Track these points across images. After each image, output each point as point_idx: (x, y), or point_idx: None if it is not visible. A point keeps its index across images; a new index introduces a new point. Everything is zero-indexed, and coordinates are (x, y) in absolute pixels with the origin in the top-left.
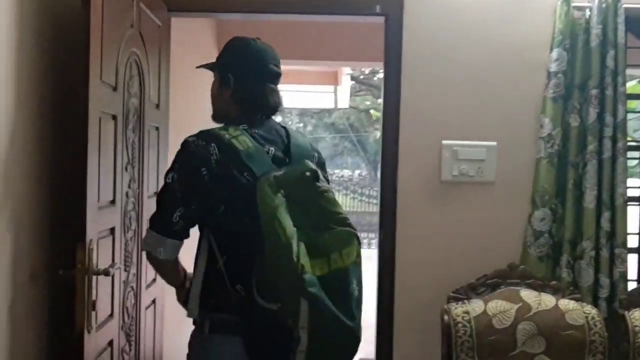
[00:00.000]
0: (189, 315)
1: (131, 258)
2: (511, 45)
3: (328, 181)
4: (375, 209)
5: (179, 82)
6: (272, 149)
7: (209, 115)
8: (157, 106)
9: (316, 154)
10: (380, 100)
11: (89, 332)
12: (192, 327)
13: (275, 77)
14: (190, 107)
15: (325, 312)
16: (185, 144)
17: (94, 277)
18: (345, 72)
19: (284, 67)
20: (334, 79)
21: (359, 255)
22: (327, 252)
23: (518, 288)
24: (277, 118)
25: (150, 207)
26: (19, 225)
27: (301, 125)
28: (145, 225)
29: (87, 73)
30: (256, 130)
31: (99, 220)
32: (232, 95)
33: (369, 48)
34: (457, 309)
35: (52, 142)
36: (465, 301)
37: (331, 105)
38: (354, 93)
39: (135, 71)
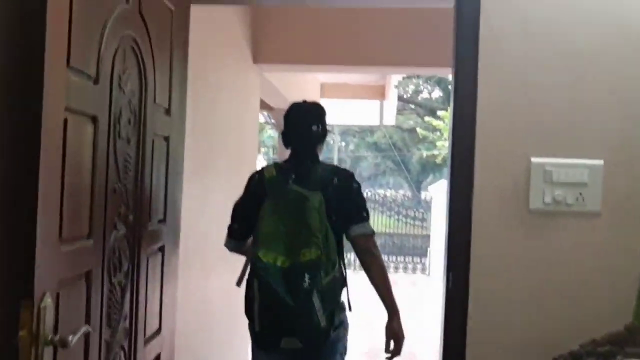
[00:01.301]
0: None
1: (121, 309)
2: (632, 26)
3: (348, 196)
4: (420, 231)
5: (199, 84)
6: (294, 176)
7: (238, 125)
8: (167, 111)
9: (335, 180)
10: (428, 119)
11: None
12: None
13: (302, 131)
14: (214, 114)
15: (270, 290)
16: None
17: (48, 348)
18: (393, 85)
19: (327, 78)
20: (380, 93)
21: (318, 258)
22: (292, 251)
23: None
24: None
25: (155, 238)
26: None
27: (343, 144)
28: (144, 262)
29: (42, 50)
30: (280, 165)
31: (62, 263)
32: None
33: (424, 51)
34: None
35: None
36: None
37: (376, 122)
38: (397, 112)
39: (132, 63)
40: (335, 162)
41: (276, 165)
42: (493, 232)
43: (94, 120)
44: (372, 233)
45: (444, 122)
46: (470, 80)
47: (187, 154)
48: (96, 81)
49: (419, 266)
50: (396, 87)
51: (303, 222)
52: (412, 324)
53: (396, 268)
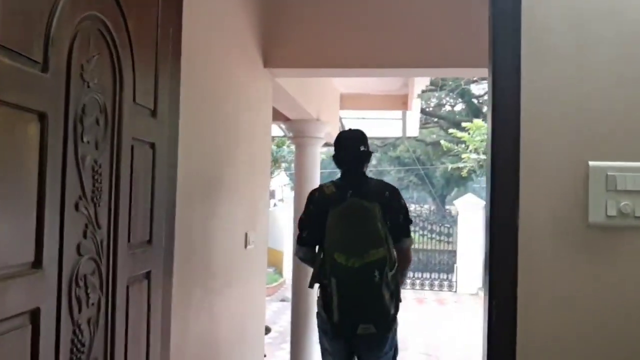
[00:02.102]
0: None
1: (88, 353)
2: None
3: (398, 211)
4: (445, 246)
5: (199, 85)
6: (350, 191)
7: (248, 136)
8: (153, 113)
9: (386, 193)
10: (452, 130)
11: None
12: None
13: (351, 152)
14: (219, 122)
15: (346, 286)
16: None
17: None
18: (416, 94)
19: (347, 88)
20: (403, 103)
21: (384, 257)
22: (361, 252)
23: None
24: None
25: (138, 262)
26: None
27: None
28: (122, 292)
29: None
30: (336, 182)
31: None
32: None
33: (452, 50)
34: None
35: None
36: None
37: (399, 134)
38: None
39: (101, 51)
40: None
41: (333, 182)
42: (544, 254)
43: (42, 117)
44: (412, 243)
45: (468, 133)
46: (512, 76)
47: (187, 166)
48: (44, 69)
49: (445, 283)
50: (419, 96)
51: (368, 228)
52: (444, 349)
53: (422, 285)
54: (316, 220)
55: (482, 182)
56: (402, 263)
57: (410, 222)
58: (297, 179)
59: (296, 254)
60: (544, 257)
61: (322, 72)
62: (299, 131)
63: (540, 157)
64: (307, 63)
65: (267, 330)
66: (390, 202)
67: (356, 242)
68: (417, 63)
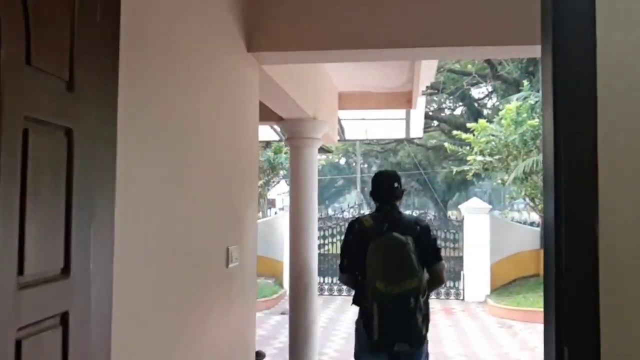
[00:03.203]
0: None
1: None
2: None
3: (428, 242)
4: (451, 253)
5: (154, 67)
6: (387, 224)
7: (230, 135)
8: (69, 86)
9: (418, 227)
10: (457, 132)
11: None
12: None
13: (386, 189)
14: (178, 106)
15: (386, 309)
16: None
17: None
18: (421, 91)
19: (346, 85)
20: (406, 101)
21: (418, 286)
22: (398, 281)
23: None
24: None
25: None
26: None
27: (365, 166)
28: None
29: None
30: (373, 215)
31: None
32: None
33: (471, 24)
34: None
35: None
36: None
37: (402, 135)
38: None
39: None
40: (359, 184)
41: (371, 215)
42: (635, 281)
43: None
44: (444, 266)
45: (473, 134)
46: (582, 51)
47: (140, 165)
48: None
49: (452, 291)
50: (424, 93)
51: (404, 260)
52: None
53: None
54: (356, 249)
55: (483, 186)
56: (435, 283)
57: (439, 249)
58: (293, 184)
59: (339, 279)
60: (634, 284)
61: (316, 56)
62: (294, 131)
63: (626, 154)
64: (297, 45)
65: (261, 356)
66: (421, 235)
67: (394, 272)
68: (427, 41)
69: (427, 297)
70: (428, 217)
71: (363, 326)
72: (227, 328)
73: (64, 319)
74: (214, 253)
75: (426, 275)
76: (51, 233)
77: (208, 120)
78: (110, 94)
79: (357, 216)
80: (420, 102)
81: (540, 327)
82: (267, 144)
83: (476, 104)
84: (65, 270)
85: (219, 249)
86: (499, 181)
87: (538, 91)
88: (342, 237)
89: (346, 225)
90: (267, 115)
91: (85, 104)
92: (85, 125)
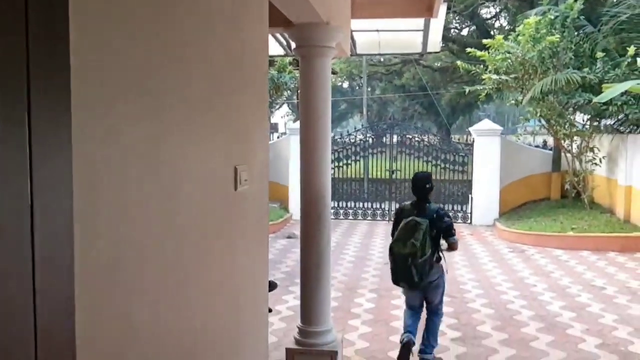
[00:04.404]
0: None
1: None
2: None
3: (441, 224)
4: (460, 176)
5: None
6: (416, 211)
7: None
8: None
9: (434, 215)
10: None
11: None
12: None
13: (418, 188)
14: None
15: (399, 260)
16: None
17: None
18: None
19: None
20: (427, 9)
21: (414, 251)
22: (401, 247)
23: None
24: None
25: None
26: None
27: (369, 89)
28: None
29: None
30: (411, 203)
31: None
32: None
33: None
34: None
35: None
36: None
37: (418, 49)
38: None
39: None
40: (365, 109)
41: (410, 203)
42: None
43: None
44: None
45: (488, 52)
46: None
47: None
48: None
49: (459, 214)
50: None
51: (413, 234)
52: (467, 288)
53: None
54: (396, 222)
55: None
56: (450, 249)
57: (451, 227)
58: (304, 100)
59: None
60: None
61: None
62: (304, 39)
63: None
64: None
65: (273, 286)
66: (436, 220)
67: (402, 241)
68: None
69: (425, 261)
70: (435, 139)
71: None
72: (237, 256)
73: None
74: (219, 173)
75: (444, 245)
76: None
77: (203, 18)
78: None
79: (404, 203)
80: (442, 11)
81: (553, 252)
82: (271, 61)
83: (485, 25)
84: None
85: (224, 168)
86: (512, 102)
87: (557, 4)
88: (348, 162)
89: (353, 148)
90: (274, 20)
91: None
92: None
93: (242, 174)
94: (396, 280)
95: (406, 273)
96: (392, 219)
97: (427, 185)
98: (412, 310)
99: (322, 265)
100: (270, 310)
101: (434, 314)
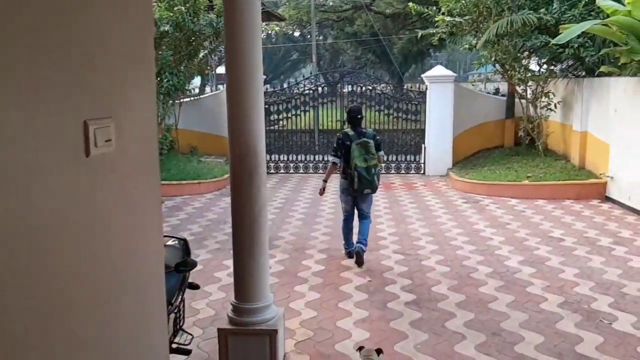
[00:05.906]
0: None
1: None
2: None
3: (377, 142)
4: (412, 126)
5: None
6: (358, 134)
7: None
8: None
9: (375, 135)
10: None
11: None
12: None
13: (354, 117)
14: None
15: (362, 176)
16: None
17: None
18: None
19: None
20: None
21: (375, 164)
22: (368, 160)
23: None
24: None
25: None
26: None
27: (320, 37)
28: None
29: None
30: (351, 129)
31: None
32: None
33: None
34: None
35: None
36: None
37: None
38: None
39: None
40: (315, 57)
41: (350, 129)
42: None
43: None
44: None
45: None
46: None
47: None
48: None
49: (412, 165)
50: None
51: (370, 150)
52: (421, 244)
53: (388, 168)
54: (343, 146)
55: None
56: (380, 161)
57: (381, 144)
58: (229, 43)
59: (332, 160)
60: None
61: None
62: None
63: None
64: None
65: (195, 287)
66: (375, 139)
67: (365, 156)
68: None
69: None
70: (387, 88)
71: (348, 183)
72: (97, 251)
73: None
74: (49, 133)
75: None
76: None
77: None
78: None
79: (344, 130)
80: None
81: (508, 202)
82: (211, 6)
83: None
84: None
85: (61, 126)
86: (466, 46)
87: None
88: (297, 112)
89: (302, 98)
90: None
91: None
92: None
93: (100, 132)
94: (360, 189)
95: (371, 181)
96: (336, 144)
97: (359, 116)
98: (348, 221)
99: (256, 233)
100: (197, 287)
101: (367, 219)
